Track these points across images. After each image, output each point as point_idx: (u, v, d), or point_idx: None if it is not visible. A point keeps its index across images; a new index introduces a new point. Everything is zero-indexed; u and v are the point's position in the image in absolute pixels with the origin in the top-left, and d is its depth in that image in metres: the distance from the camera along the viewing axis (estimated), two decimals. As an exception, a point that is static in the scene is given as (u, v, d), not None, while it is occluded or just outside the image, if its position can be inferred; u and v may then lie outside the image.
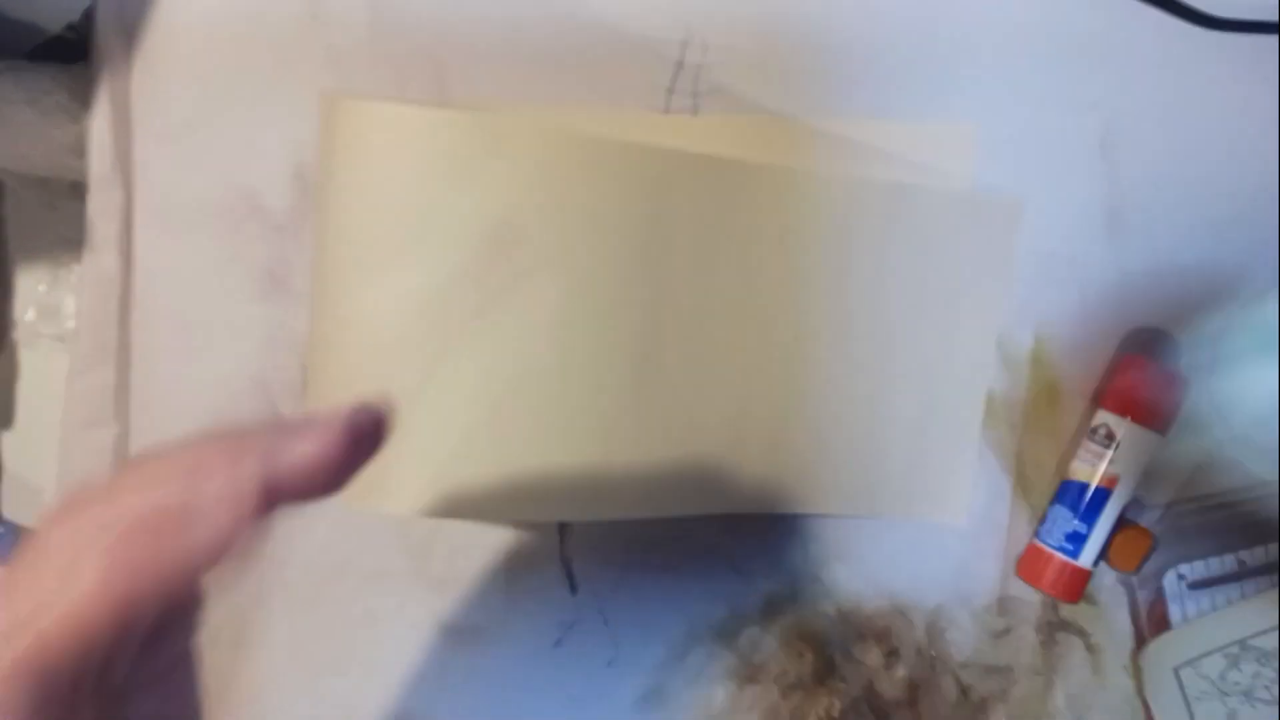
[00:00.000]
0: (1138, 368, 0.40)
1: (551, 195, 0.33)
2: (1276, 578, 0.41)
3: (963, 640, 0.41)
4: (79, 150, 0.37)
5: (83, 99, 0.37)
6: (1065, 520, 0.40)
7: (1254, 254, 0.41)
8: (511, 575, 0.40)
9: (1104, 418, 0.40)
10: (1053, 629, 0.42)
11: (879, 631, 0.41)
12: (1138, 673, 0.42)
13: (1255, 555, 0.41)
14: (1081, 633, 0.42)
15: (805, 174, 0.37)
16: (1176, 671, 0.41)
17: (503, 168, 0.32)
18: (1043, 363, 0.41)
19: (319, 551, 0.39)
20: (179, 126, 0.37)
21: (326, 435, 0.19)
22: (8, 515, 0.40)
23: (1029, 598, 0.41)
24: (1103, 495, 0.40)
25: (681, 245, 0.35)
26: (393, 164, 0.32)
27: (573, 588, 0.40)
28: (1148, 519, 0.42)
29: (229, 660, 0.39)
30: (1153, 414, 0.39)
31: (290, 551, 0.39)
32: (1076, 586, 0.41)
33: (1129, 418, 0.39)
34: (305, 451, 0.18)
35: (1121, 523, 0.41)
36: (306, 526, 0.39)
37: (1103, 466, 0.40)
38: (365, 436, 0.19)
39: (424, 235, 0.32)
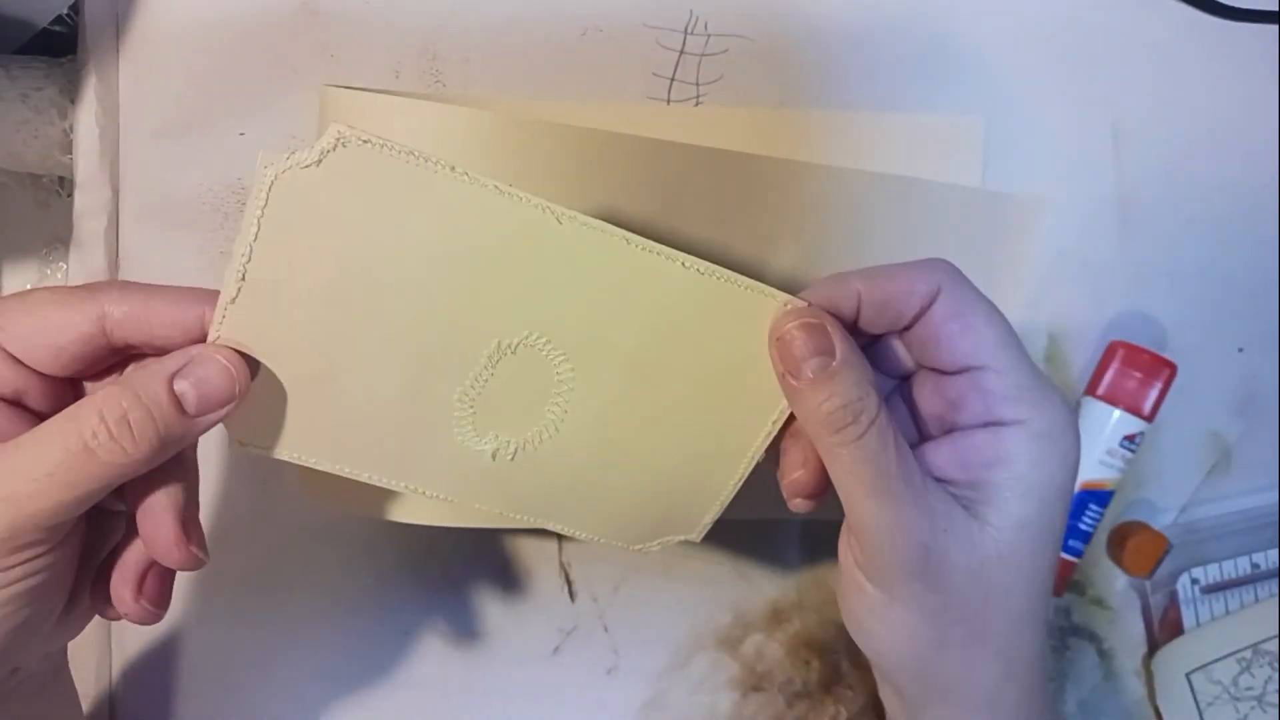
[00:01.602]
0: (1121, 355, 0.39)
1: (549, 188, 0.32)
2: (1284, 582, 0.41)
3: (972, 646, 0.41)
4: (68, 146, 0.37)
5: (73, 94, 0.36)
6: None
7: (1268, 247, 0.41)
8: (509, 582, 0.39)
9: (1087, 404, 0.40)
10: (1064, 634, 0.42)
11: (886, 637, 0.41)
12: (1149, 678, 0.41)
13: (1269, 558, 0.41)
14: (1094, 637, 0.42)
15: (816, 167, 0.37)
16: (1188, 677, 0.40)
17: (500, 161, 0.32)
18: (1057, 362, 0.41)
19: (320, 561, 0.38)
20: (167, 122, 0.37)
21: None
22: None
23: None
24: None
25: (687, 239, 0.35)
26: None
27: (571, 594, 0.40)
28: (1161, 523, 0.41)
29: (232, 670, 0.38)
30: (1136, 401, 0.39)
31: (290, 562, 0.38)
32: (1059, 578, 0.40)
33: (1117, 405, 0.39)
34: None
35: (1136, 527, 0.40)
36: (307, 537, 0.38)
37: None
38: None
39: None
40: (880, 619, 0.26)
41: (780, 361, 0.25)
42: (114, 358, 0.25)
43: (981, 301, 0.25)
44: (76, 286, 0.24)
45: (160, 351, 0.24)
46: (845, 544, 0.27)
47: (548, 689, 0.39)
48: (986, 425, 0.25)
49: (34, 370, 0.24)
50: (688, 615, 0.40)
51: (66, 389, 0.25)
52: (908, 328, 0.25)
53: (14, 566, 0.23)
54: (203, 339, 0.24)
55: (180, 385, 0.23)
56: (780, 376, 0.25)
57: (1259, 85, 0.41)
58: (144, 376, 0.23)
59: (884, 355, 0.27)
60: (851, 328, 0.25)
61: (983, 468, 0.25)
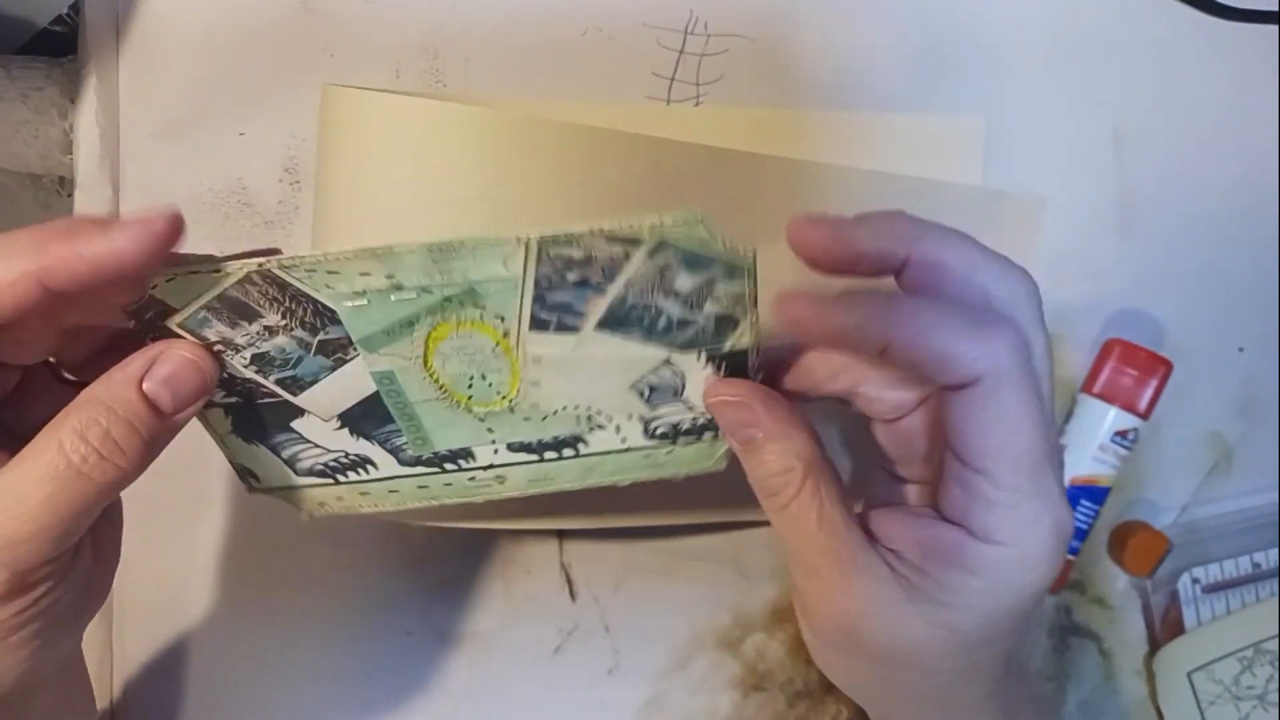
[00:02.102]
0: (1117, 352, 0.39)
1: (551, 186, 0.32)
2: (1284, 581, 0.41)
3: (972, 646, 0.41)
4: (69, 146, 0.37)
5: (73, 94, 0.36)
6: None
7: (1268, 247, 0.41)
8: (509, 582, 0.39)
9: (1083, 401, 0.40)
10: (1065, 633, 0.42)
11: (887, 637, 0.41)
12: (1150, 678, 0.41)
13: (1270, 557, 0.41)
14: (1094, 637, 0.42)
15: (816, 166, 0.37)
16: (1189, 676, 0.40)
17: (500, 159, 0.32)
18: (1057, 362, 0.40)
19: (321, 560, 0.38)
20: (167, 122, 0.37)
21: (106, 234, 0.21)
22: None
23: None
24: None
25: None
26: (392, 153, 0.31)
27: (572, 594, 0.40)
28: (1162, 522, 0.41)
29: (232, 670, 0.38)
30: (1131, 398, 0.39)
31: (290, 561, 0.38)
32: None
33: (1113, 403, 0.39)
34: (82, 247, 0.21)
35: (1137, 527, 0.40)
36: (307, 537, 0.38)
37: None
38: (152, 236, 0.21)
39: (422, 224, 0.32)
40: (816, 653, 0.27)
41: (719, 421, 0.25)
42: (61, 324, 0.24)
43: (1018, 406, 0.22)
44: None
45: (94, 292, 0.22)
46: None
47: (548, 689, 0.39)
48: (959, 526, 0.23)
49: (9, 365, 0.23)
50: (688, 615, 0.40)
51: (43, 378, 0.25)
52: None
53: (29, 606, 0.23)
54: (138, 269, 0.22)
55: (150, 386, 0.23)
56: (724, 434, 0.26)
57: (1259, 85, 0.41)
58: (112, 386, 0.23)
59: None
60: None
61: (938, 565, 0.23)
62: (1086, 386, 0.40)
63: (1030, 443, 0.22)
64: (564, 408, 0.26)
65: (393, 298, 0.23)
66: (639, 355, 0.25)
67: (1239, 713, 0.40)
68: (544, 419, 0.26)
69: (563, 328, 0.24)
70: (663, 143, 0.34)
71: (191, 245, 0.37)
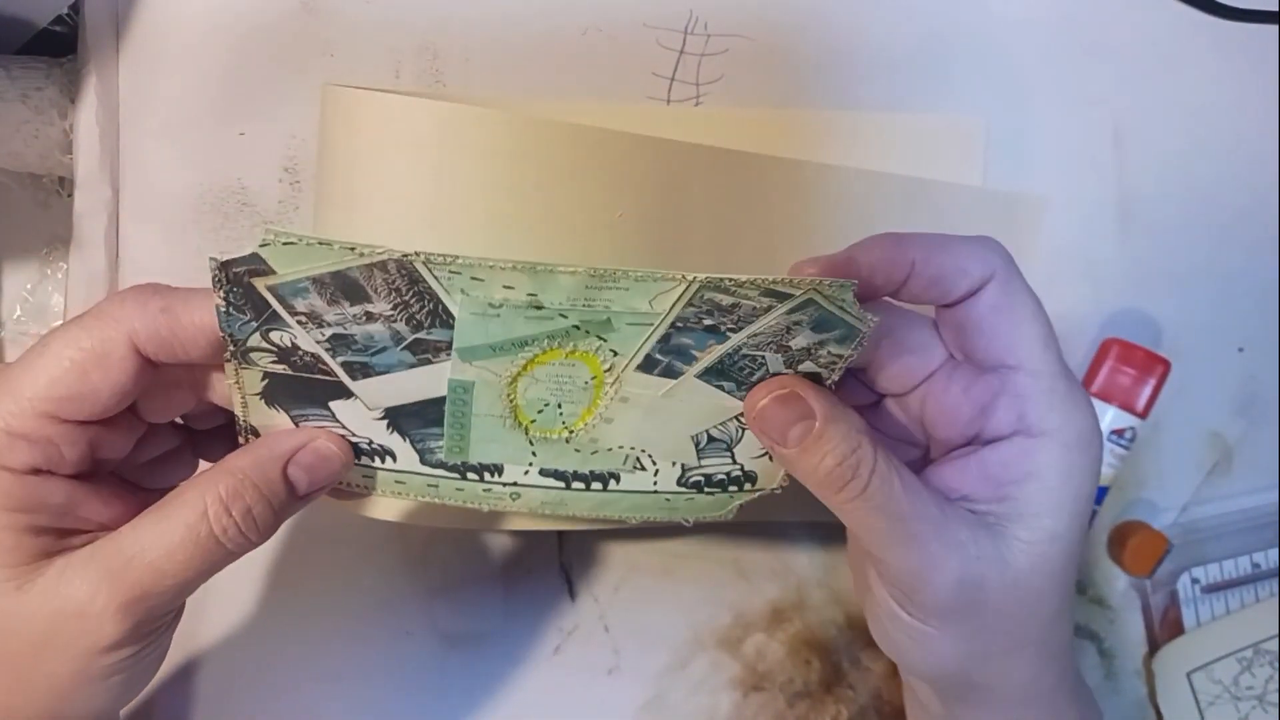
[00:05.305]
0: (1115, 351, 0.39)
1: (551, 186, 0.32)
2: (1284, 581, 0.41)
3: (972, 646, 0.41)
4: (69, 146, 0.37)
5: (73, 94, 0.36)
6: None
7: (1268, 247, 0.41)
8: (509, 582, 0.39)
9: None
10: (1065, 634, 0.42)
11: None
12: (1150, 678, 0.42)
13: (1270, 557, 0.41)
14: (1094, 637, 0.42)
15: (817, 166, 0.37)
16: (1189, 676, 0.40)
17: (500, 159, 0.32)
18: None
19: (319, 561, 0.38)
20: (167, 122, 0.37)
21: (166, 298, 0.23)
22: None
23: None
24: None
25: (691, 237, 0.35)
26: (393, 155, 0.31)
27: (572, 594, 0.40)
28: (1162, 522, 0.41)
29: (231, 670, 0.38)
30: (1129, 398, 0.39)
31: (290, 562, 0.38)
32: None
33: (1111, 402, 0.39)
34: (163, 317, 0.23)
35: (1137, 527, 0.40)
36: (307, 537, 0.38)
37: None
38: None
39: (422, 225, 0.32)
40: (919, 644, 0.25)
41: (764, 435, 0.25)
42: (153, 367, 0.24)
43: (1029, 296, 0.25)
44: (91, 318, 0.23)
45: (185, 362, 0.23)
46: (875, 579, 0.26)
47: (548, 689, 0.39)
48: (1015, 435, 0.24)
49: (96, 423, 0.23)
50: (688, 615, 0.40)
51: (133, 421, 0.25)
52: (949, 305, 0.25)
53: (137, 653, 0.24)
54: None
55: (294, 472, 0.24)
56: (770, 448, 0.25)
57: (1259, 85, 0.41)
58: (261, 465, 0.24)
59: (908, 358, 0.26)
60: (893, 295, 0.25)
61: (1012, 484, 0.24)
62: (1084, 385, 0.40)
63: (1047, 328, 0.25)
64: (619, 446, 0.26)
65: (525, 315, 0.22)
66: (720, 406, 0.25)
67: (1238, 713, 0.40)
68: (593, 453, 0.26)
69: (669, 372, 0.24)
70: (663, 143, 0.34)
71: (190, 246, 0.37)
